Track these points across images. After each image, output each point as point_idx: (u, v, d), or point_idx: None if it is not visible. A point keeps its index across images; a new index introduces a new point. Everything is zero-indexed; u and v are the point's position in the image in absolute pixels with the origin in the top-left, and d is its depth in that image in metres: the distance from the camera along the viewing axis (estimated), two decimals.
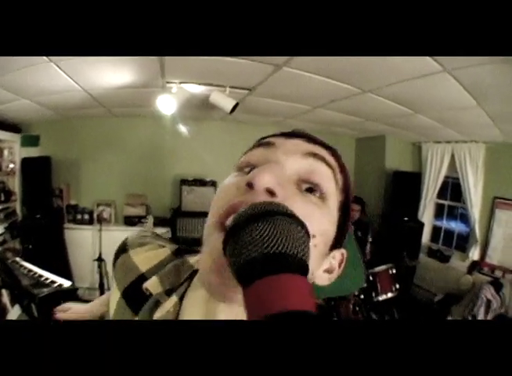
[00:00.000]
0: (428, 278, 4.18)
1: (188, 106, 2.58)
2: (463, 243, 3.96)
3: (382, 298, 2.78)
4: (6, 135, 3.55)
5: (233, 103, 2.15)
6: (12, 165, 3.70)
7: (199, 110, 3.12)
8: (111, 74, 2.15)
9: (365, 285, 2.74)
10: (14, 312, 2.69)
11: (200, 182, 3.66)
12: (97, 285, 3.37)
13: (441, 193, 4.51)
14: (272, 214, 0.30)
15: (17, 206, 3.74)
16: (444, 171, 4.23)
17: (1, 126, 3.45)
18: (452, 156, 4.01)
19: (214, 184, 3.64)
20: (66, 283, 2.29)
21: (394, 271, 2.94)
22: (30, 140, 3.84)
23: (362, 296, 2.70)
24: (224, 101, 2.17)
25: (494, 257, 3.53)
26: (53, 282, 2.29)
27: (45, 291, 2.20)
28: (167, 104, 2.14)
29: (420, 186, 4.36)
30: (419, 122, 3.23)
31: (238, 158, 0.48)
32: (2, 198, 3.50)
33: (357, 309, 2.72)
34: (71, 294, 2.54)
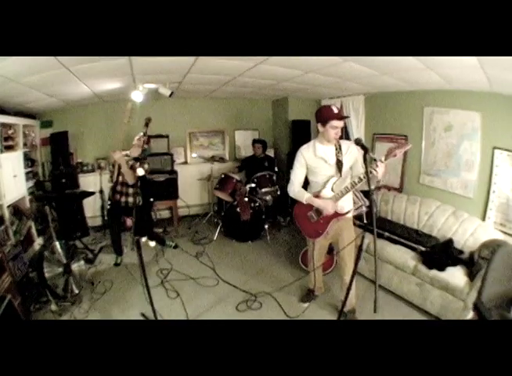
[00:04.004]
0: None
1: (147, 94, 3.75)
2: None
3: (263, 190, 4.66)
4: (30, 121, 4.46)
5: (170, 92, 3.52)
6: (35, 141, 4.61)
7: (153, 95, 4.18)
8: (109, 82, 3.63)
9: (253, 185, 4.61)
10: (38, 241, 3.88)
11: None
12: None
13: None
14: None
15: (39, 169, 4.69)
16: None
17: (26, 115, 4.33)
18: (342, 106, 4.84)
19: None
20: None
21: (272, 176, 4.78)
22: (47, 123, 4.91)
23: (248, 188, 4.52)
24: (165, 91, 3.51)
25: None
26: None
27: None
28: (137, 96, 3.53)
29: (310, 128, 5.44)
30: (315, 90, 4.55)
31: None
32: (29, 164, 4.37)
33: (248, 197, 4.53)
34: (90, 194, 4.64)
